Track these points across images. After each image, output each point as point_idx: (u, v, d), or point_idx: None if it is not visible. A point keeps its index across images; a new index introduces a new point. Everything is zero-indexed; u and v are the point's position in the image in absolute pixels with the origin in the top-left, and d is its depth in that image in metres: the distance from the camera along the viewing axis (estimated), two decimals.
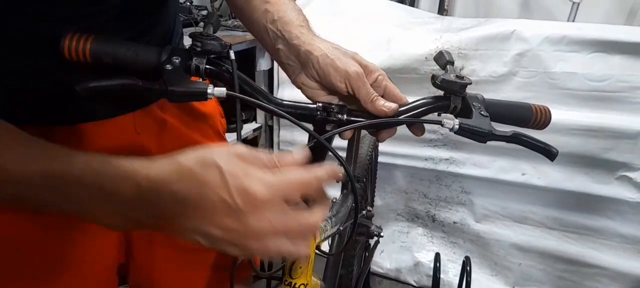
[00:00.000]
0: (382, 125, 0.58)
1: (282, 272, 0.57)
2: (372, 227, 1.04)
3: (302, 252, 0.41)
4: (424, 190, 1.74)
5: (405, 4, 2.14)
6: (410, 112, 0.58)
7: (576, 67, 1.37)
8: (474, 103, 0.56)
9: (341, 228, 0.63)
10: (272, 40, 0.61)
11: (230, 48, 0.55)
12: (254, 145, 1.96)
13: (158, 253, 0.70)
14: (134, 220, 0.41)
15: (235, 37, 1.66)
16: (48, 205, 0.42)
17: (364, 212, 1.04)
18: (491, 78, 1.46)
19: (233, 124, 0.88)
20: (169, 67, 0.50)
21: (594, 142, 1.40)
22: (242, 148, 0.40)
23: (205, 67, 0.53)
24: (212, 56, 0.54)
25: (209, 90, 0.50)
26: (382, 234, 0.79)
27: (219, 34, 0.59)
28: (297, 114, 0.57)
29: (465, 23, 1.57)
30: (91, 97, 0.48)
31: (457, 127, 0.53)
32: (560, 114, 1.34)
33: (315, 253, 0.57)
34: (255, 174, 0.38)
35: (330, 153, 0.54)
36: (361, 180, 1.02)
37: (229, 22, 1.86)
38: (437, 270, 1.51)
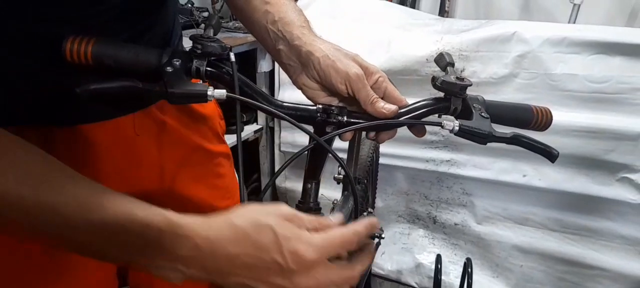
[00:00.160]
0: (382, 127, 0.58)
1: None
2: None
3: None
4: (425, 191, 1.74)
5: (406, 5, 2.14)
6: (411, 113, 0.58)
7: (577, 68, 1.36)
8: (474, 104, 0.56)
9: None
10: (273, 41, 0.61)
11: (230, 50, 0.55)
12: (255, 146, 1.96)
13: None
14: (187, 275, 0.43)
15: (236, 39, 1.66)
16: (102, 252, 0.42)
17: (365, 213, 1.04)
18: (492, 80, 1.46)
19: (233, 126, 0.88)
20: (169, 69, 0.50)
21: (594, 144, 1.40)
22: (287, 209, 0.45)
23: (206, 69, 0.53)
24: (212, 58, 0.54)
25: (209, 92, 0.50)
26: (383, 236, 0.79)
27: (220, 35, 0.59)
28: (297, 115, 0.57)
29: (466, 25, 1.57)
30: (92, 99, 0.49)
31: (457, 128, 0.53)
32: (561, 116, 1.34)
33: None
34: (303, 236, 0.43)
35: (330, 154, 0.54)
36: (362, 182, 1.01)
37: (230, 23, 1.85)
38: (438, 271, 1.51)
